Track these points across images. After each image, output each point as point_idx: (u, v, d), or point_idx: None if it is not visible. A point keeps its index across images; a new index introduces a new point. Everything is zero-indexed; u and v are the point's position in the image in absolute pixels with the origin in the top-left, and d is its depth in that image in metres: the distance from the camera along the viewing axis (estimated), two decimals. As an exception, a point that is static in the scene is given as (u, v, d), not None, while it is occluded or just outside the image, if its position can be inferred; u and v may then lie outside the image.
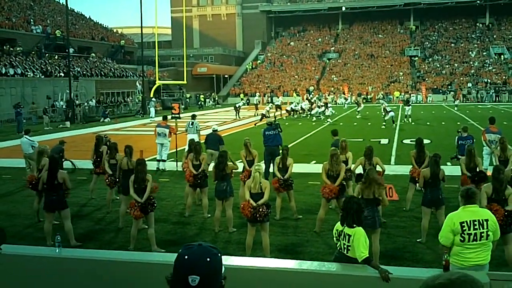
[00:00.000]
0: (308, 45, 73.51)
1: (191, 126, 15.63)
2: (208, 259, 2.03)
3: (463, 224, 4.89)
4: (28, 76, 37.44)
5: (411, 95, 52.31)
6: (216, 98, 57.40)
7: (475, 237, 4.88)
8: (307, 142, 21.27)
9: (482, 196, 6.67)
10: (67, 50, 38.43)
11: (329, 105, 34.42)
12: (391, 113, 27.56)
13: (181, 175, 12.10)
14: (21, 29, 44.73)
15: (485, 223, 4.92)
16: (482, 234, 4.90)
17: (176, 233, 9.12)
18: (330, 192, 8.58)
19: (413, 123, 28.66)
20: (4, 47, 39.99)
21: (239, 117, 35.55)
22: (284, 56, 70.92)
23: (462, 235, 4.88)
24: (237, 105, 37.29)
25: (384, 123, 27.39)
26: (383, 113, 28.36)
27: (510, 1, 66.23)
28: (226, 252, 7.98)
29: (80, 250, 6.77)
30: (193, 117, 16.24)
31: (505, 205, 6.50)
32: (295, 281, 4.83)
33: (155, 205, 8.15)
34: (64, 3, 38.23)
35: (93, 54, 50.38)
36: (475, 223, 4.90)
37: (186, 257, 2.03)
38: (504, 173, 6.78)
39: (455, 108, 39.11)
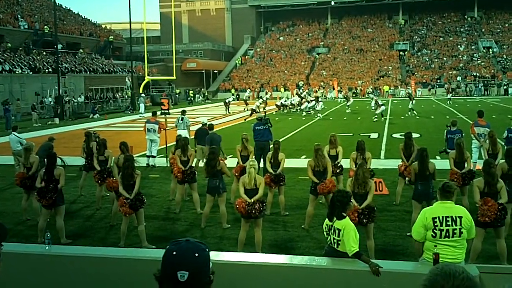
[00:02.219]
0: (298, 40, 73.51)
1: (181, 121, 15.58)
2: (197, 255, 2.02)
3: (435, 220, 4.85)
4: (16, 72, 37.10)
5: (405, 89, 52.66)
6: (206, 94, 57.25)
7: (447, 234, 4.83)
8: (297, 137, 21.29)
9: (474, 190, 6.71)
10: (55, 46, 38.08)
11: (319, 99, 34.00)
12: (382, 107, 27.74)
13: (170, 171, 12.02)
14: (9, 25, 44.28)
15: (458, 220, 4.86)
16: (455, 231, 4.84)
17: (166, 229, 9.10)
18: (325, 187, 8.56)
19: (417, 117, 28.76)
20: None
21: (229, 112, 35.56)
22: (274, 51, 70.87)
23: (434, 230, 4.84)
24: (227, 101, 37.24)
25: (375, 116, 27.52)
26: (374, 107, 28.55)
27: (498, -5, 66.69)
28: (218, 248, 7.99)
29: (70, 247, 6.74)
30: (183, 112, 16.19)
31: (498, 198, 6.54)
32: (286, 276, 4.85)
33: (145, 201, 8.12)
34: (52, -2, 37.84)
35: (82, 50, 50.01)
36: (447, 219, 4.84)
37: (174, 253, 2.03)
38: (495, 166, 6.82)
39: (448, 102, 39.04)
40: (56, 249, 5.63)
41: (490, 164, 6.70)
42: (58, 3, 56.00)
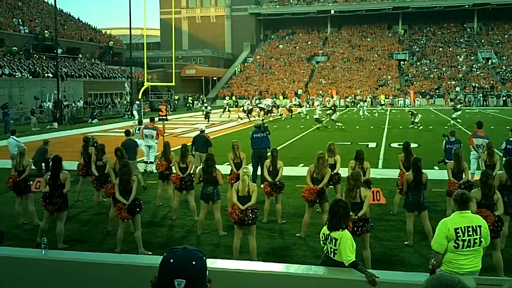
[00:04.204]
0: (297, 48, 73.74)
1: (139, 131, 15.80)
2: (194, 263, 2.03)
3: (457, 230, 4.85)
4: (16, 76, 37.12)
5: (403, 98, 52.88)
6: (205, 100, 57.26)
7: (468, 244, 4.85)
8: (295, 145, 21.30)
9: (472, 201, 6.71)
10: (55, 51, 38.14)
11: (336, 109, 31.75)
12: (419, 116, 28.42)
13: (168, 177, 11.96)
14: (9, 29, 44.36)
15: (478, 229, 4.90)
16: (476, 241, 4.87)
17: (163, 235, 9.09)
18: (309, 193, 8.57)
19: (417, 127, 28.18)
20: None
21: (249, 119, 34.40)
22: (273, 59, 71.05)
23: (456, 241, 4.84)
24: (245, 108, 36.35)
25: (413, 125, 27.89)
26: (362, 116, 29.29)
27: (497, 7, 67.06)
28: (214, 255, 7.96)
29: (66, 252, 6.71)
30: (140, 123, 16.65)
31: (494, 210, 6.55)
32: (282, 284, 4.84)
33: (142, 206, 8.11)
34: (53, 3, 37.93)
35: (81, 55, 50.08)
36: (469, 229, 4.87)
37: (171, 260, 2.03)
38: (492, 178, 6.83)
39: (458, 113, 34.78)
40: (52, 254, 5.61)
41: (487, 176, 6.71)
42: (59, 8, 56.18)
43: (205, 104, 37.08)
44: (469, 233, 4.85)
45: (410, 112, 29.50)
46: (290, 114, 36.70)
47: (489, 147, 10.13)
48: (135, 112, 36.62)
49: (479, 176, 10.46)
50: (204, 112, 34.76)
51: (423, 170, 8.21)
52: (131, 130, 13.88)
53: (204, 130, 13.73)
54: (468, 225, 4.89)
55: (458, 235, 4.85)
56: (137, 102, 39.57)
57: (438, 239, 4.94)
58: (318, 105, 36.27)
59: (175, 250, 2.08)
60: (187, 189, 9.84)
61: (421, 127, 27.52)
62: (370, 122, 32.61)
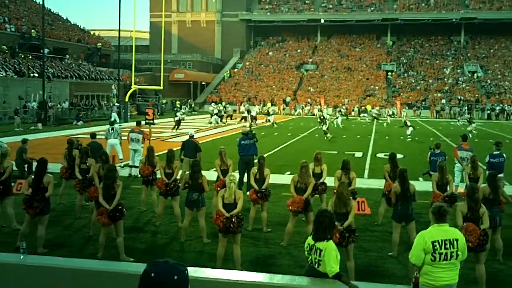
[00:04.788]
0: (287, 55, 73.96)
1: (112, 131, 15.94)
2: (176, 277, 1.97)
3: (434, 243, 4.89)
4: (0, 75, 36.67)
5: (390, 108, 53.19)
6: (192, 105, 57.16)
7: (445, 257, 4.88)
8: (282, 153, 21.29)
9: (457, 215, 6.74)
10: (41, 51, 37.77)
11: (326, 119, 29.67)
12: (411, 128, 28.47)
13: (152, 182, 11.85)
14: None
15: (455, 242, 4.93)
16: (452, 254, 4.90)
17: (146, 241, 8.98)
18: (293, 203, 8.54)
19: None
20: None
21: (256, 124, 34.66)
22: (262, 66, 71.17)
23: (433, 254, 4.88)
24: (252, 113, 36.20)
25: (408, 136, 27.78)
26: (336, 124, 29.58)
27: (484, 21, 67.98)
28: (198, 263, 7.88)
29: (46, 258, 6.57)
30: (112, 123, 16.70)
31: (480, 223, 6.58)
32: (265, 295, 4.77)
33: (124, 212, 7.99)
34: (41, 2, 37.61)
35: (68, 56, 49.68)
36: (446, 242, 4.91)
37: (152, 274, 1.97)
38: (478, 192, 6.87)
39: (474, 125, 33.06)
40: (31, 259, 5.48)
41: (474, 190, 6.75)
42: (47, 8, 55.75)
43: (181, 111, 35.14)
44: (446, 246, 4.89)
45: (405, 123, 29.76)
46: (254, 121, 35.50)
47: (473, 160, 10.21)
48: (113, 114, 36.06)
49: (463, 189, 10.58)
50: (175, 119, 30.85)
51: (410, 181, 8.24)
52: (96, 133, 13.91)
53: (193, 135, 13.67)
54: (445, 238, 4.92)
55: (435, 248, 4.88)
56: (117, 104, 39.38)
57: (415, 252, 4.97)
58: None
59: (156, 263, 2.02)
60: (172, 195, 9.74)
61: (409, 139, 27.68)
62: (356, 132, 32.74)
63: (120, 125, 32.30)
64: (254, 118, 35.77)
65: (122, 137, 16.30)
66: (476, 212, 6.62)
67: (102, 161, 9.50)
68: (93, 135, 13.39)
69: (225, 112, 40.35)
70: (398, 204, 8.15)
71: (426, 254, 4.89)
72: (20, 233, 8.18)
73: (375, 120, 39.62)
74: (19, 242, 7.72)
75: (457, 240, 4.95)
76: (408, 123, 29.43)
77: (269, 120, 36.43)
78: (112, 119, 35.02)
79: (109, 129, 16.16)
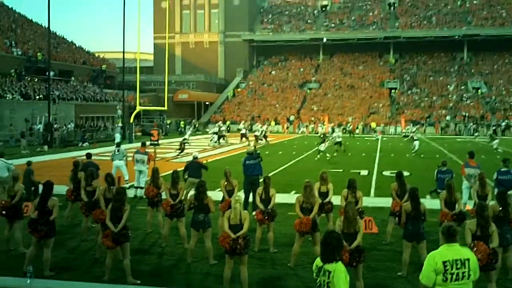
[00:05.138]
0: (290, 74, 74.31)
1: (118, 153, 16.00)
2: None
3: (445, 264, 4.82)
4: (7, 98, 36.94)
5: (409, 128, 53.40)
6: (197, 125, 57.34)
7: (457, 277, 4.81)
8: (287, 172, 21.23)
9: (466, 233, 6.66)
10: (47, 73, 38.10)
11: (325, 138, 27.77)
12: (416, 142, 28.59)
13: (157, 204, 11.83)
14: (2, 51, 44.36)
15: (466, 262, 4.86)
16: (464, 274, 4.83)
17: (152, 263, 8.91)
18: (300, 224, 8.46)
19: (407, 155, 28.58)
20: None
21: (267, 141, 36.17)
22: (265, 85, 71.47)
23: (445, 274, 4.80)
24: (257, 132, 36.12)
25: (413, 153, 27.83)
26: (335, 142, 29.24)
27: (487, 38, 68.27)
28: (205, 285, 7.83)
29: (53, 282, 6.54)
30: (118, 145, 16.75)
31: (489, 242, 6.50)
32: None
33: (129, 236, 7.95)
34: (47, 26, 38.09)
35: (74, 78, 50.08)
36: (457, 262, 4.83)
37: None
38: (488, 210, 6.80)
39: (497, 141, 33.87)
40: (38, 283, 5.46)
41: (483, 208, 6.68)
42: (53, 31, 56.33)
43: (189, 132, 36.51)
44: (457, 266, 4.81)
45: (411, 138, 29.99)
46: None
47: (481, 177, 10.13)
48: (117, 135, 36.23)
49: (471, 206, 10.49)
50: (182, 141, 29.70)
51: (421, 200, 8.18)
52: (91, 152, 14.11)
53: (197, 157, 13.68)
54: (456, 258, 4.85)
55: (446, 268, 4.80)
56: (120, 125, 39.53)
57: (426, 273, 4.89)
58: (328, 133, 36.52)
59: None
60: (177, 216, 9.68)
61: (413, 154, 27.73)
62: (361, 150, 32.69)
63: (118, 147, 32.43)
64: (259, 138, 35.83)
65: (128, 158, 16.33)
66: (486, 230, 6.55)
67: (107, 183, 9.49)
68: (88, 155, 13.54)
69: (226, 132, 40.56)
70: (409, 223, 8.07)
71: (437, 274, 4.82)
72: (27, 256, 8.15)
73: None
74: (26, 266, 7.69)
75: (468, 260, 4.88)
76: (415, 137, 29.65)
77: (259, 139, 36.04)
78: (117, 140, 35.22)
79: (114, 150, 16.20)
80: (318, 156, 26.41)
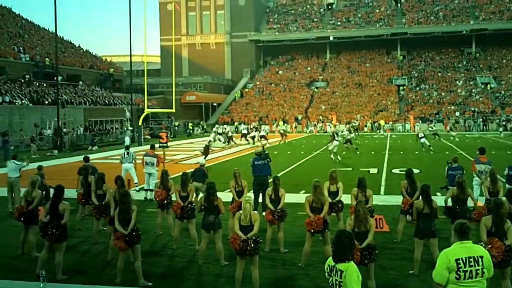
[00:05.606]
0: (297, 73, 74.24)
1: (127, 156, 16.01)
2: None
3: (458, 261, 4.77)
4: (16, 104, 37.23)
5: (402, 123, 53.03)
6: (205, 127, 57.45)
7: (470, 275, 4.76)
8: (296, 172, 21.20)
9: (481, 229, 6.60)
10: (55, 78, 38.35)
11: (335, 137, 25.77)
12: (423, 139, 29.02)
13: (167, 206, 11.88)
14: (10, 57, 44.71)
15: (480, 260, 4.81)
16: (478, 272, 4.78)
17: (163, 265, 8.93)
18: (312, 223, 8.44)
19: (416, 152, 28.46)
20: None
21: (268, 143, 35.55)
22: (273, 85, 71.45)
23: (458, 272, 4.75)
24: (262, 133, 36.71)
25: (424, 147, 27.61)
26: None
27: (495, 32, 67.77)
28: (216, 286, 7.84)
29: (65, 286, 6.59)
30: (127, 148, 16.81)
31: (504, 239, 6.45)
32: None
33: (140, 237, 7.97)
34: (54, 31, 38.34)
35: (82, 82, 50.35)
36: (470, 260, 4.78)
37: None
38: (503, 207, 6.73)
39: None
40: (50, 287, 5.48)
41: (499, 205, 6.61)
42: (60, 36, 56.68)
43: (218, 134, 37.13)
44: (471, 264, 4.76)
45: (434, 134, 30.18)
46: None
47: (492, 174, 10.05)
48: (126, 138, 36.35)
49: (482, 203, 10.40)
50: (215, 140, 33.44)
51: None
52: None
53: (204, 164, 13.68)
54: (469, 256, 4.80)
55: (459, 266, 4.75)
56: (130, 128, 39.71)
57: (439, 271, 4.84)
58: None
59: None
60: (188, 218, 9.70)
61: (426, 149, 27.76)
62: (370, 148, 32.58)
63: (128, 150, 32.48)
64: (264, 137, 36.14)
65: (137, 161, 16.40)
66: (501, 228, 6.50)
67: (118, 186, 9.54)
68: (86, 159, 13.66)
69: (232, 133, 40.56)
70: (420, 221, 8.03)
71: (450, 272, 4.77)
72: (39, 260, 8.21)
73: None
74: (39, 270, 7.74)
75: (481, 257, 4.83)
76: (421, 134, 30.63)
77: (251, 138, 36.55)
78: (126, 143, 35.29)
79: (124, 153, 16.26)
80: (332, 157, 24.83)
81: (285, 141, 37.31)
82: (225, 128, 39.55)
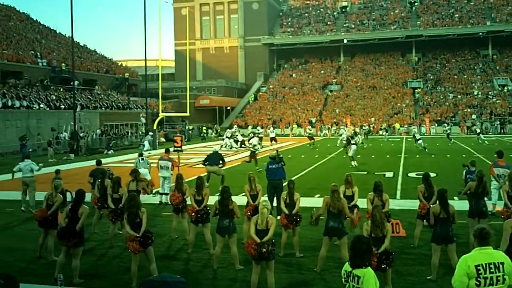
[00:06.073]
0: (310, 77, 74.09)
1: (142, 161, 16.04)
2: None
3: (478, 268, 4.68)
4: (33, 108, 37.69)
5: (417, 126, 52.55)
6: (219, 130, 57.57)
7: (491, 281, 4.66)
8: (311, 175, 21.12)
9: (506, 232, 6.46)
10: (72, 83, 38.75)
11: (351, 141, 25.41)
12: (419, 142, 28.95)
13: (182, 210, 11.92)
14: (28, 62, 45.29)
15: (500, 266, 4.70)
16: (499, 278, 4.68)
17: (178, 269, 8.93)
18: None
19: (433, 155, 28.25)
20: (10, 79, 40.48)
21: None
22: (286, 88, 71.39)
23: (478, 279, 4.66)
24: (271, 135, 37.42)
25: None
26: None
27: (511, 34, 66.95)
28: (231, 291, 7.81)
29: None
30: (141, 154, 16.84)
31: None
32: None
33: (153, 238, 7.97)
34: (70, 36, 38.76)
35: (97, 87, 50.79)
36: (490, 266, 4.69)
37: None
38: None
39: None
40: (67, 291, 5.51)
41: None
42: (76, 41, 57.29)
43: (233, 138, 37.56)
44: (491, 270, 4.65)
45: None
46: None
47: (511, 177, 9.90)
48: (146, 143, 36.62)
49: (501, 207, 10.25)
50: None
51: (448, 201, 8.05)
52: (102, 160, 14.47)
53: (217, 151, 13.69)
54: (490, 262, 4.69)
55: (479, 272, 4.64)
56: (151, 133, 39.89)
57: (458, 277, 4.74)
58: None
59: (151, 283, 1.95)
60: (202, 222, 9.71)
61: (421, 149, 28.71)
62: (385, 151, 32.36)
63: (149, 153, 32.67)
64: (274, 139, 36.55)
65: (152, 165, 16.46)
66: None
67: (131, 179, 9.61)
68: (98, 162, 13.84)
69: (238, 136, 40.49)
70: (438, 226, 7.94)
71: (470, 279, 4.68)
72: (57, 264, 8.27)
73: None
74: (57, 273, 7.80)
75: (502, 263, 4.73)
76: (418, 136, 32.19)
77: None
78: (146, 147, 35.44)
79: (138, 159, 16.32)
80: (352, 163, 23.51)
81: (313, 144, 37.28)
82: (234, 132, 39.62)
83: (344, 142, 30.90)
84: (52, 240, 9.47)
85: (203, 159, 13.26)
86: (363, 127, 49.34)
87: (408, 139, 44.52)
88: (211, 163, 12.84)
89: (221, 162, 12.89)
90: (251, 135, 34.48)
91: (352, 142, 24.77)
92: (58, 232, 8.28)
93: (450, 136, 38.93)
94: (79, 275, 8.23)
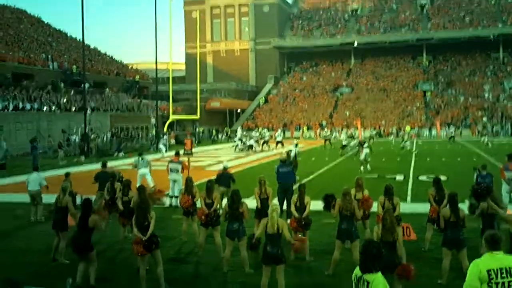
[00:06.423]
0: (321, 79, 74.01)
1: (142, 161, 16.22)
2: None
3: (490, 272, 4.63)
4: (44, 110, 37.98)
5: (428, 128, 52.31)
6: (229, 133, 57.66)
7: (503, 287, 4.62)
8: (321, 178, 21.06)
9: None
10: (82, 85, 39.02)
11: (362, 144, 24.85)
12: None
13: (192, 213, 11.94)
14: (39, 65, 45.69)
15: None
16: (510, 283, 4.63)
17: (188, 273, 8.94)
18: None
19: (443, 158, 28.10)
20: (23, 82, 40.88)
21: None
22: (297, 91, 71.35)
23: (489, 284, 4.61)
24: (279, 139, 37.45)
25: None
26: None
27: (523, 36, 66.48)
28: (241, 294, 7.80)
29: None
30: (140, 154, 17.06)
31: None
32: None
33: (159, 242, 7.97)
34: (81, 39, 39.04)
35: (108, 89, 51.09)
36: (502, 271, 4.64)
37: None
38: None
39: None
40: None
41: None
42: (87, 44, 57.65)
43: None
44: (503, 275, 4.59)
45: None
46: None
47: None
48: (161, 146, 36.70)
49: (512, 211, 10.16)
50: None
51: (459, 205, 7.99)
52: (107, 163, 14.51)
53: (227, 167, 13.69)
54: (501, 267, 4.63)
55: (491, 277, 4.59)
56: (165, 136, 40.05)
57: (470, 281, 4.69)
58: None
59: None
60: (212, 225, 9.70)
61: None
62: (395, 154, 32.21)
63: (163, 156, 32.58)
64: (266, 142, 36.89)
65: (152, 167, 16.47)
66: None
67: (138, 194, 9.60)
68: (103, 164, 13.88)
69: (261, 138, 40.50)
70: (448, 229, 7.88)
71: (481, 283, 4.65)
72: (78, 269, 8.18)
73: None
74: (79, 279, 7.80)
75: None
76: (406, 138, 32.67)
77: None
78: (162, 151, 35.38)
79: (138, 159, 16.38)
80: (368, 166, 23.09)
81: (331, 145, 37.43)
82: (245, 134, 39.77)
83: (344, 143, 30.93)
84: (64, 243, 9.50)
85: (215, 177, 13.30)
86: (373, 131, 49.26)
87: (419, 142, 44.28)
88: (222, 183, 12.87)
89: (231, 182, 12.97)
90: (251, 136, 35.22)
91: (365, 146, 23.70)
92: (70, 242, 8.29)
93: (453, 138, 38.98)
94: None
